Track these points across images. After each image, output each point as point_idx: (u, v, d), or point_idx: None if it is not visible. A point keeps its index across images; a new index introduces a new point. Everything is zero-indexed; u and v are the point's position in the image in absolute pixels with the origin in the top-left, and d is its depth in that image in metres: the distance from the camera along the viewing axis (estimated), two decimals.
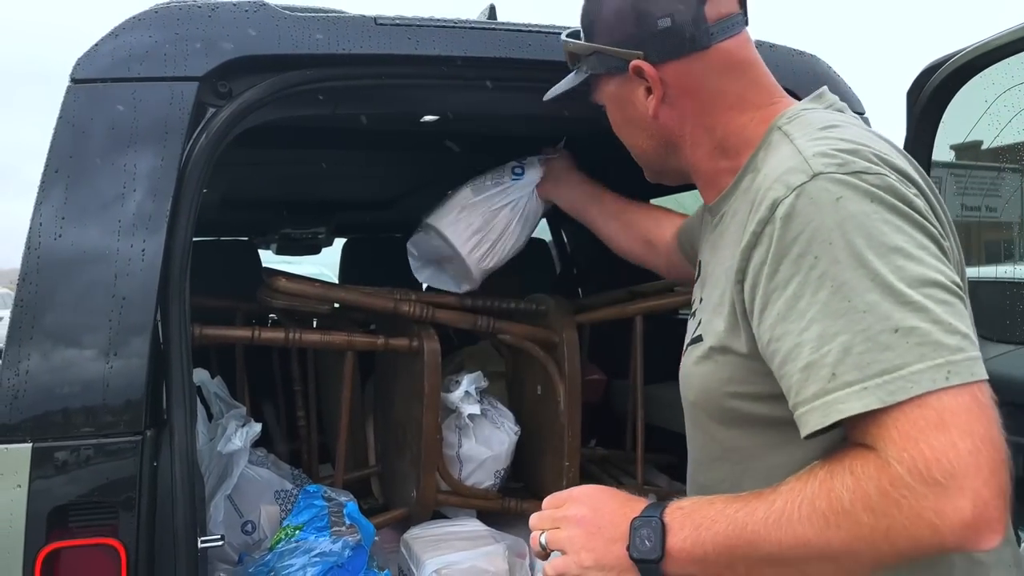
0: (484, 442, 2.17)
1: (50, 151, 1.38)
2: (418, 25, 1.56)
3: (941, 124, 1.69)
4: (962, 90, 1.61)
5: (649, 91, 1.11)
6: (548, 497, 1.07)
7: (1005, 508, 0.80)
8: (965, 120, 1.94)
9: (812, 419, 0.85)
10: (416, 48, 1.54)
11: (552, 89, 1.33)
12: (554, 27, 1.66)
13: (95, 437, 1.31)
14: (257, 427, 1.92)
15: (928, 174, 1.65)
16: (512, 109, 1.85)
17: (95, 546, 1.30)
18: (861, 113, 1.90)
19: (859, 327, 0.83)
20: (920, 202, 0.91)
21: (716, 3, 1.08)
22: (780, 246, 0.89)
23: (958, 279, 0.89)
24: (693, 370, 1.07)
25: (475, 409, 2.14)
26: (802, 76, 1.83)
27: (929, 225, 0.90)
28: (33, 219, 1.35)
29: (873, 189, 0.88)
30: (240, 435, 1.87)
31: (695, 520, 0.92)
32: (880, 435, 0.81)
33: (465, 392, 2.14)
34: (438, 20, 1.58)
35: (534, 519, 1.05)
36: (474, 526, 2.04)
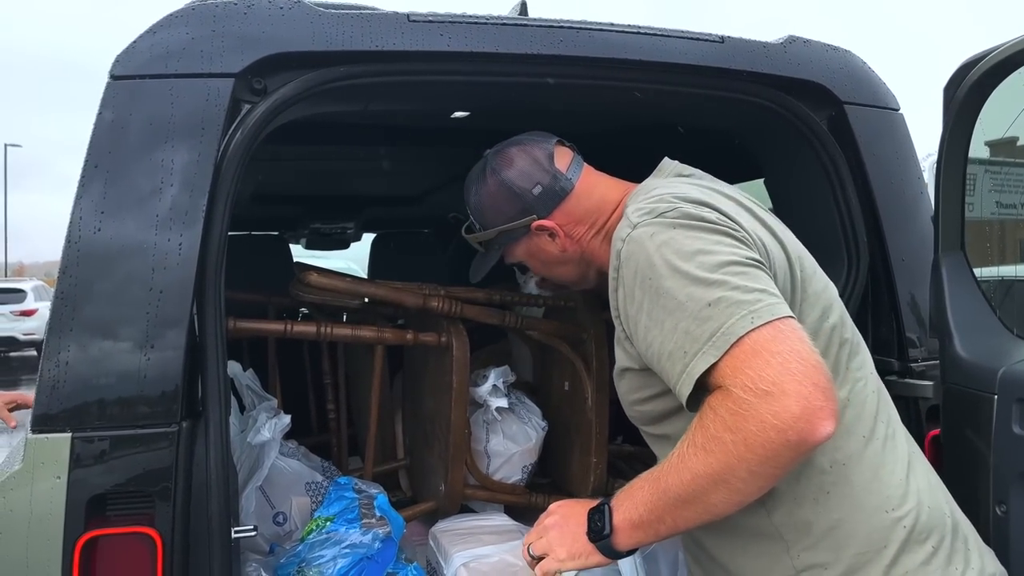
0: (512, 437, 2.18)
1: (90, 146, 1.41)
2: (451, 22, 1.56)
3: (978, 120, 1.66)
4: (1000, 86, 1.58)
5: (551, 236, 1.49)
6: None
7: (828, 398, 1.03)
8: (1003, 117, 1.91)
9: (683, 389, 1.11)
10: (449, 44, 1.55)
11: (476, 272, 1.67)
12: (585, 23, 1.66)
13: (132, 428, 1.33)
14: (286, 419, 1.95)
15: (964, 170, 1.63)
16: (543, 105, 1.85)
17: (132, 534, 1.33)
18: (896, 109, 1.89)
19: (686, 313, 1.12)
20: (711, 214, 1.22)
21: (561, 158, 1.50)
22: (629, 280, 1.21)
23: (755, 256, 1.19)
24: (619, 390, 1.37)
25: (503, 403, 2.15)
26: (836, 72, 1.81)
27: (721, 227, 1.21)
28: (73, 213, 1.38)
29: (672, 219, 1.21)
30: (270, 427, 1.89)
31: (630, 494, 1.20)
32: (721, 377, 1.07)
33: (493, 386, 2.15)
34: (471, 16, 1.59)
35: (527, 536, 1.34)
36: (502, 520, 2.05)
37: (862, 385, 1.28)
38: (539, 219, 1.48)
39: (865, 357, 1.34)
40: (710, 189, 1.35)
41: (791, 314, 1.11)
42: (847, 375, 1.27)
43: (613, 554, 1.23)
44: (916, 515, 1.21)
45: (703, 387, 1.10)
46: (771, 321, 1.07)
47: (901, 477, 1.24)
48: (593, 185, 1.50)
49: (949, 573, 1.21)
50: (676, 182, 1.40)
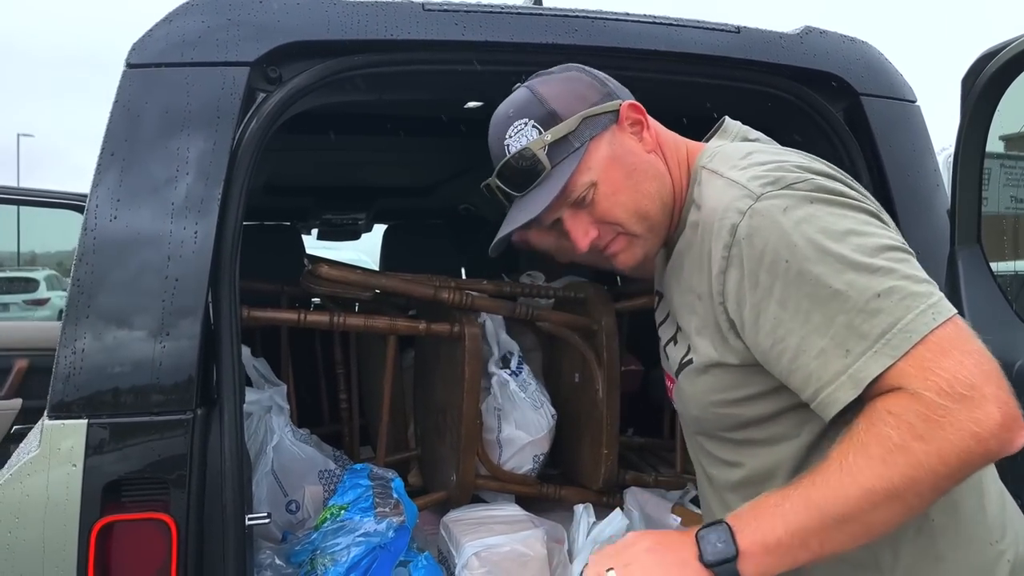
0: (524, 427, 2.18)
1: (106, 135, 1.41)
2: (465, 11, 1.56)
3: (996, 113, 1.65)
4: (1019, 78, 1.57)
5: (638, 132, 1.18)
6: (594, 554, 1.07)
7: (1019, 407, 0.90)
8: (1019, 111, 1.89)
9: (842, 393, 0.95)
10: (463, 34, 1.55)
11: (540, 198, 1.14)
12: (601, 12, 1.65)
13: (148, 415, 1.34)
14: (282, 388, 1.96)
15: (982, 163, 1.62)
16: None
17: (147, 520, 1.34)
18: (912, 101, 1.87)
19: (848, 304, 0.95)
20: (848, 190, 1.06)
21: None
22: (751, 262, 1.01)
23: (904, 241, 1.04)
24: (691, 389, 1.15)
25: (505, 375, 2.15)
26: (853, 63, 1.80)
27: (863, 204, 1.05)
28: (89, 201, 1.38)
29: (806, 192, 1.02)
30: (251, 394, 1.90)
31: (756, 514, 0.98)
32: (902, 380, 0.92)
33: (502, 358, 2.16)
34: (485, 5, 1.59)
35: (593, 568, 1.03)
36: (513, 510, 2.05)
37: None
38: (628, 101, 1.18)
39: None
40: (810, 158, 1.15)
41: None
42: None
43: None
44: (1016, 547, 1.09)
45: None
46: (951, 317, 0.94)
47: (998, 504, 1.11)
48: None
49: None
50: (764, 147, 1.20)
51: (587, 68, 1.23)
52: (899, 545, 1.05)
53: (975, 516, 1.08)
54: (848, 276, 0.96)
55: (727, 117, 1.29)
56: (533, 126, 1.14)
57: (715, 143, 1.22)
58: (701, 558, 0.97)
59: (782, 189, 1.02)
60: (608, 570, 1.01)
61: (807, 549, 0.95)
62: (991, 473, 1.12)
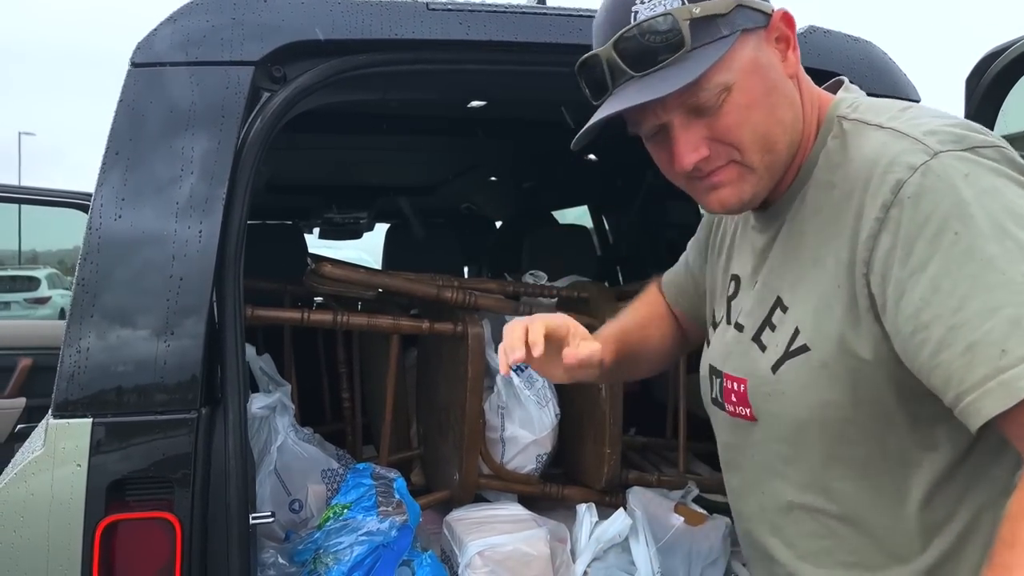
0: (527, 426, 2.18)
1: (110, 134, 1.41)
2: (469, 10, 1.56)
3: (1001, 112, 1.65)
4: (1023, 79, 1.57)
5: (782, 51, 0.96)
6: None
7: None
8: (1013, 117, 1.89)
9: (989, 403, 0.77)
10: (467, 33, 1.54)
11: (669, 80, 0.90)
12: None
13: (152, 414, 1.34)
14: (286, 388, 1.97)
15: None
16: (561, 95, 1.84)
17: (151, 519, 1.34)
18: (917, 101, 1.87)
19: (1021, 298, 0.77)
20: None
21: None
22: (911, 227, 0.83)
23: None
24: (802, 383, 0.94)
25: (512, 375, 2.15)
26: (857, 63, 1.80)
27: None
28: (94, 200, 1.38)
29: (994, 164, 0.84)
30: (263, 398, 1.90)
31: None
32: None
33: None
34: (489, 5, 1.58)
35: None
36: (516, 510, 2.05)
37: None
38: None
39: None
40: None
41: None
42: None
43: None
44: None
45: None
46: None
47: None
48: None
49: None
50: (901, 105, 0.98)
51: None
52: None
53: None
54: None
55: (845, 77, 1.08)
56: None
57: (857, 94, 1.03)
58: None
59: (966, 151, 0.84)
60: None
61: None
62: None
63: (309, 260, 2.10)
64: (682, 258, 1.36)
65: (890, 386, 0.89)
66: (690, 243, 1.34)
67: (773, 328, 0.99)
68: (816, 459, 0.97)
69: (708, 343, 1.17)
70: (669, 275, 1.39)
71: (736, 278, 1.11)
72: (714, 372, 1.10)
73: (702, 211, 1.30)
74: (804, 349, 0.94)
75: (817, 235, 0.94)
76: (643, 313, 1.36)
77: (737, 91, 0.92)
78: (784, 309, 0.98)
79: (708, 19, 0.90)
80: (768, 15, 0.95)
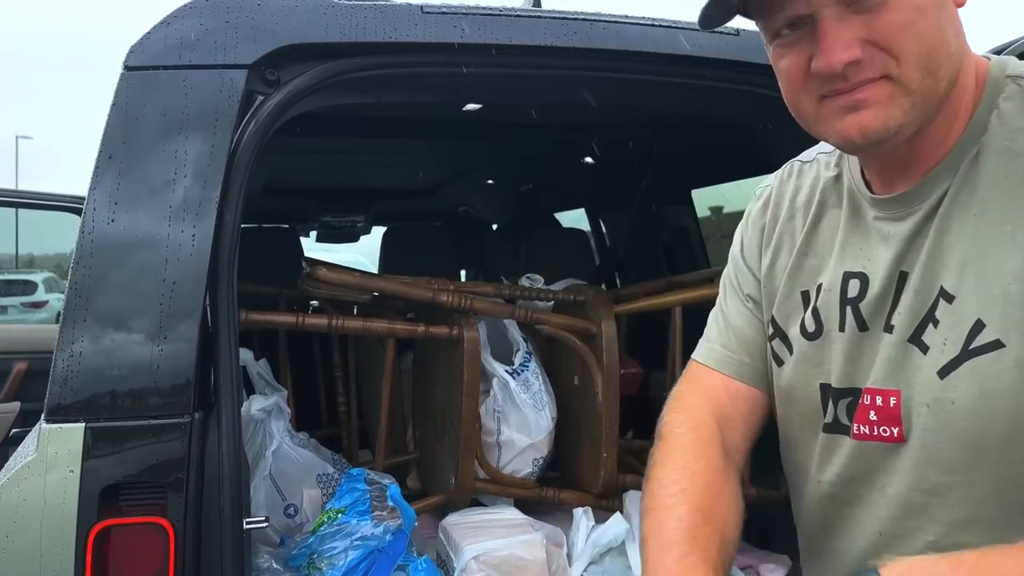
0: (523, 429, 2.18)
1: (103, 137, 1.41)
2: (464, 13, 1.56)
3: None
4: None
5: None
6: None
7: None
8: None
9: None
10: (462, 36, 1.54)
11: None
12: (599, 15, 1.65)
13: (145, 418, 1.34)
14: (278, 396, 1.97)
15: None
16: (557, 98, 1.84)
17: (144, 524, 1.33)
18: None
19: None
20: None
21: None
22: None
23: None
24: (985, 388, 0.78)
25: (506, 375, 2.14)
26: None
27: None
28: (87, 204, 1.38)
29: None
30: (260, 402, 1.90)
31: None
32: None
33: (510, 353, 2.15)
34: (484, 8, 1.58)
35: None
36: (512, 514, 2.05)
37: None
38: None
39: None
40: None
41: None
42: None
43: None
44: None
45: None
46: None
47: None
48: None
49: None
50: None
51: None
52: None
53: None
54: None
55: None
56: None
57: (1004, 57, 0.89)
58: None
59: None
60: None
61: None
62: None
63: (304, 264, 2.10)
64: (721, 318, 1.10)
65: None
66: (728, 286, 1.12)
67: (936, 324, 0.83)
68: (984, 487, 0.81)
69: (791, 359, 0.99)
70: (720, 352, 1.08)
71: (861, 276, 0.92)
72: (836, 392, 0.94)
73: (737, 237, 1.11)
74: (995, 345, 0.78)
75: (1002, 209, 0.79)
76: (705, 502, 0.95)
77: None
78: (949, 299, 0.82)
79: None
80: None
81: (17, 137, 30.92)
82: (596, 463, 2.15)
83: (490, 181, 3.91)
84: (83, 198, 1.41)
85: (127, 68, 1.43)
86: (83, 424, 1.31)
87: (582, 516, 1.96)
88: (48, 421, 1.32)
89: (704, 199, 3.72)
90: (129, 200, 1.38)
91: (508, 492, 2.21)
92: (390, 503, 1.64)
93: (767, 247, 1.05)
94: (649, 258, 3.60)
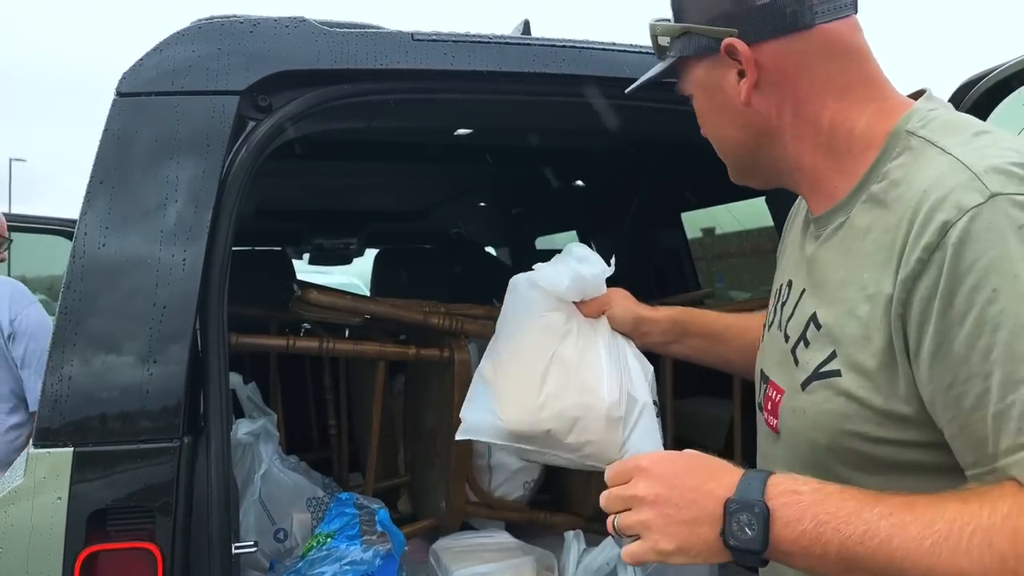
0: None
1: (95, 162, 1.41)
2: (454, 41, 1.57)
3: None
4: (1000, 106, 1.59)
5: (741, 75, 0.99)
6: (611, 468, 0.95)
7: None
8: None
9: (1016, 472, 0.76)
10: (452, 63, 1.56)
11: (639, 80, 1.18)
12: (588, 42, 1.67)
13: (134, 442, 1.33)
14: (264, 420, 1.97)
15: None
16: (546, 123, 1.86)
17: (132, 550, 1.32)
18: None
19: None
20: None
21: None
22: (952, 276, 0.79)
23: None
24: (825, 408, 0.92)
25: None
26: None
27: None
28: (78, 228, 1.39)
29: None
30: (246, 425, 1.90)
31: (817, 514, 0.81)
32: None
33: None
34: (474, 36, 1.60)
35: (603, 499, 0.94)
36: (503, 538, 2.04)
37: None
38: (738, 39, 0.98)
39: None
40: None
41: None
42: None
43: (756, 564, 0.86)
44: None
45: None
46: None
47: None
48: (845, 52, 0.97)
49: None
50: (998, 129, 0.94)
51: None
52: None
53: None
54: None
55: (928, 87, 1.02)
56: (670, 9, 1.07)
57: (934, 105, 0.96)
58: (723, 534, 0.84)
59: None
60: (614, 517, 0.93)
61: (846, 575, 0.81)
62: None
63: (295, 287, 2.10)
64: None
65: (915, 430, 0.85)
66: None
67: (807, 345, 0.96)
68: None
69: (761, 342, 1.16)
70: None
71: (789, 283, 1.08)
72: (762, 376, 1.09)
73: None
74: (836, 374, 0.91)
75: (864, 258, 0.89)
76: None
77: (695, 100, 1.09)
78: (818, 327, 0.94)
79: (676, 36, 1.05)
80: (719, 40, 0.99)
81: (11, 159, 30.88)
82: (587, 485, 2.15)
83: (482, 204, 3.93)
84: (75, 221, 1.41)
85: (119, 94, 1.44)
86: (72, 449, 1.31)
87: (573, 539, 1.95)
88: (36, 445, 1.32)
89: (695, 221, 3.75)
90: (120, 224, 1.39)
91: (499, 515, 2.21)
92: (379, 528, 1.63)
93: (781, 247, 1.23)
94: (640, 279, 3.62)
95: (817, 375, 0.93)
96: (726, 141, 1.08)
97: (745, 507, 0.83)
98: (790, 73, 0.98)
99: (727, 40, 0.98)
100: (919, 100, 0.97)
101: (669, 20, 1.07)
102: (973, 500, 0.77)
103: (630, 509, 0.91)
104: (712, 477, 0.88)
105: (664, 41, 1.07)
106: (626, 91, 1.26)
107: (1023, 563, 0.72)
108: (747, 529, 0.83)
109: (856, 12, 1.00)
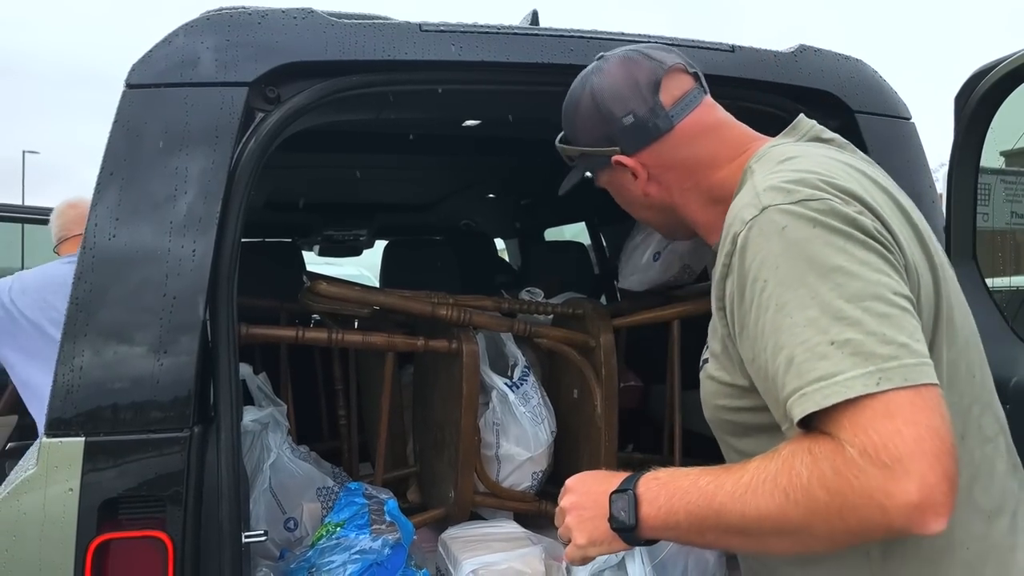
0: (522, 443, 2.18)
1: (105, 154, 1.42)
2: (462, 31, 1.57)
3: (990, 130, 1.66)
4: (1012, 96, 1.58)
5: (635, 175, 1.26)
6: (579, 483, 1.17)
7: (951, 494, 0.86)
8: (1015, 126, 1.90)
9: (786, 421, 0.95)
10: (460, 54, 1.56)
11: (564, 182, 1.46)
12: (596, 32, 1.67)
13: (145, 432, 1.35)
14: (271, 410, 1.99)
15: (976, 181, 1.63)
16: (556, 114, 1.86)
17: (143, 539, 1.34)
18: (907, 118, 1.88)
19: (799, 340, 0.92)
20: (866, 220, 0.99)
21: (669, 89, 1.23)
22: (740, 274, 1.01)
23: (904, 290, 0.96)
24: (704, 389, 1.17)
25: (505, 388, 2.15)
26: (847, 81, 1.81)
27: (872, 241, 0.97)
28: (89, 220, 1.40)
29: (815, 215, 0.97)
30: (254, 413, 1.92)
31: (670, 490, 1.02)
32: (833, 427, 0.89)
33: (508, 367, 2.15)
34: (481, 26, 1.60)
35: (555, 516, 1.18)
36: (511, 528, 2.05)
37: (992, 447, 1.08)
38: (622, 154, 1.24)
39: (998, 409, 1.13)
40: (859, 172, 1.10)
41: (933, 381, 0.90)
42: (978, 435, 1.07)
43: (638, 543, 1.08)
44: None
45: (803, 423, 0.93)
46: (905, 388, 0.88)
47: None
48: (704, 131, 1.23)
49: None
50: (815, 151, 1.14)
51: (649, 64, 1.25)
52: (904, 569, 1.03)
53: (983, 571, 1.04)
54: (811, 313, 0.92)
55: (802, 115, 1.27)
56: (565, 131, 1.36)
57: (775, 141, 1.20)
58: (609, 520, 1.06)
59: (791, 204, 0.98)
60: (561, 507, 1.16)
61: (703, 539, 1.02)
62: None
63: (305, 278, 2.11)
64: None
65: (745, 397, 1.07)
66: None
67: (709, 338, 1.19)
68: (726, 452, 1.19)
69: None
70: None
71: None
72: None
73: None
74: (705, 362, 1.16)
75: (715, 271, 1.11)
76: None
77: (612, 194, 1.36)
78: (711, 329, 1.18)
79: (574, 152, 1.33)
80: (608, 158, 1.26)
81: (24, 152, 31.04)
82: None
83: (491, 195, 3.93)
84: None
85: (129, 86, 1.45)
86: (83, 438, 1.33)
87: None
88: (48, 435, 1.33)
89: None
90: (130, 216, 1.40)
91: (507, 506, 2.21)
92: (388, 518, 1.64)
93: None
94: None
95: (702, 366, 1.17)
96: (644, 219, 1.38)
97: (621, 495, 1.05)
98: (669, 165, 1.24)
99: (614, 157, 1.26)
100: (780, 135, 1.22)
101: (565, 146, 1.35)
102: (772, 453, 0.95)
103: (563, 520, 1.14)
104: (609, 481, 1.09)
105: (571, 154, 1.34)
106: (560, 192, 1.50)
107: (798, 491, 0.89)
108: (623, 512, 1.04)
109: (707, 93, 1.27)
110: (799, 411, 0.90)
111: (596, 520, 1.09)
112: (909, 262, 1.02)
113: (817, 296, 0.93)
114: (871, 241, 0.97)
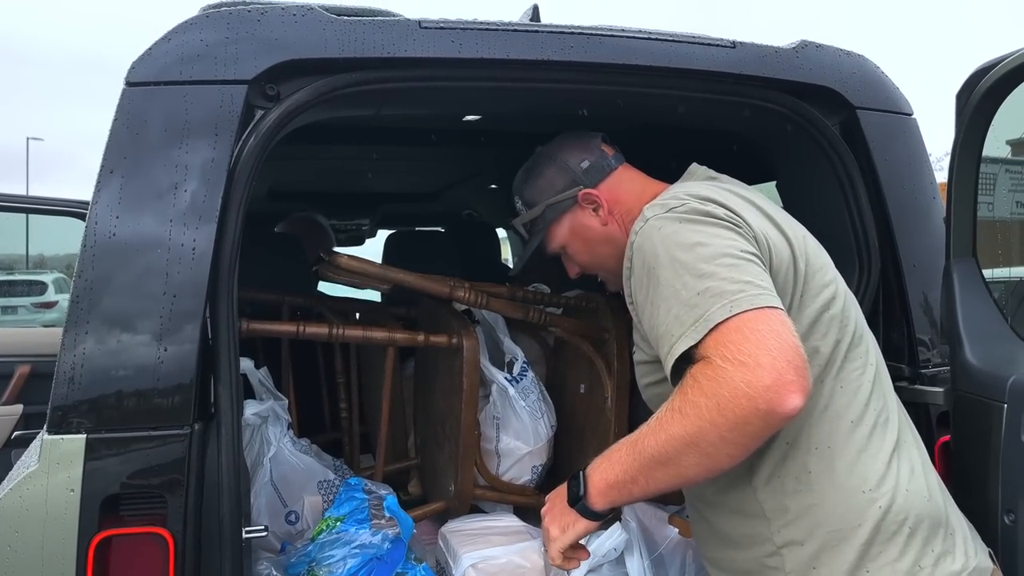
0: (522, 437, 2.19)
1: (105, 151, 1.43)
2: (461, 28, 1.57)
3: (992, 125, 1.65)
4: (1014, 93, 1.57)
5: (595, 209, 1.59)
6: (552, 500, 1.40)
7: (800, 377, 1.11)
8: (1018, 120, 1.88)
9: (668, 367, 1.21)
10: (459, 51, 1.56)
11: (517, 262, 1.74)
12: (596, 29, 1.66)
13: (146, 429, 1.36)
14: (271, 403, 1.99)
15: (977, 177, 1.62)
16: (553, 110, 1.85)
17: (145, 534, 1.35)
18: (909, 114, 1.87)
19: (678, 300, 1.21)
20: (719, 210, 1.32)
21: (605, 146, 1.64)
22: (637, 269, 1.32)
23: (751, 248, 1.27)
24: (636, 375, 1.46)
25: (505, 381, 2.16)
26: (849, 77, 1.81)
27: (722, 221, 1.30)
28: (89, 217, 1.40)
29: (679, 214, 1.31)
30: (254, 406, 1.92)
31: (607, 457, 1.28)
32: (704, 351, 1.16)
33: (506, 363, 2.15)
34: (481, 23, 1.59)
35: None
36: (511, 521, 2.06)
37: (858, 374, 1.36)
38: (584, 189, 1.58)
39: (868, 347, 1.41)
40: (725, 189, 1.43)
41: (775, 304, 1.18)
42: (844, 363, 1.35)
43: (592, 515, 1.30)
44: (892, 496, 1.27)
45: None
46: (752, 310, 1.15)
47: (884, 461, 1.30)
48: (634, 176, 1.63)
49: (924, 554, 1.26)
50: (695, 183, 1.50)
51: (585, 135, 1.65)
52: (779, 490, 1.29)
53: (850, 469, 1.28)
54: (685, 279, 1.22)
55: (694, 163, 1.59)
56: (520, 204, 1.69)
57: (675, 186, 1.52)
58: (568, 500, 1.32)
59: (664, 212, 1.32)
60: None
61: (637, 484, 1.23)
62: (885, 437, 1.33)
63: (323, 253, 2.09)
64: None
65: (660, 371, 1.30)
66: None
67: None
68: None
69: None
70: None
71: None
72: None
73: None
74: (635, 350, 1.46)
75: (623, 272, 1.41)
76: None
77: (568, 248, 1.66)
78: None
79: (533, 220, 1.66)
80: (575, 195, 1.59)
81: (28, 138, 31.03)
82: None
83: (494, 186, 3.92)
84: (85, 202, 1.43)
85: (129, 84, 1.45)
86: (84, 435, 1.33)
87: None
88: (50, 432, 1.34)
89: None
90: (129, 214, 1.40)
91: (507, 499, 2.22)
92: (387, 514, 1.65)
93: None
94: None
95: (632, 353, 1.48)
96: (605, 263, 1.63)
97: (575, 478, 1.32)
98: (618, 197, 1.59)
99: (581, 192, 1.59)
100: (678, 182, 1.55)
101: (522, 211, 1.68)
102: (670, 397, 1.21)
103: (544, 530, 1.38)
104: (570, 480, 1.34)
105: (520, 227, 1.67)
106: (511, 273, 1.60)
107: (687, 405, 1.14)
108: (575, 489, 1.30)
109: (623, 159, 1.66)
110: (682, 345, 1.17)
111: (560, 507, 1.33)
112: (759, 234, 1.31)
113: (684, 265, 1.23)
114: (721, 221, 1.29)
